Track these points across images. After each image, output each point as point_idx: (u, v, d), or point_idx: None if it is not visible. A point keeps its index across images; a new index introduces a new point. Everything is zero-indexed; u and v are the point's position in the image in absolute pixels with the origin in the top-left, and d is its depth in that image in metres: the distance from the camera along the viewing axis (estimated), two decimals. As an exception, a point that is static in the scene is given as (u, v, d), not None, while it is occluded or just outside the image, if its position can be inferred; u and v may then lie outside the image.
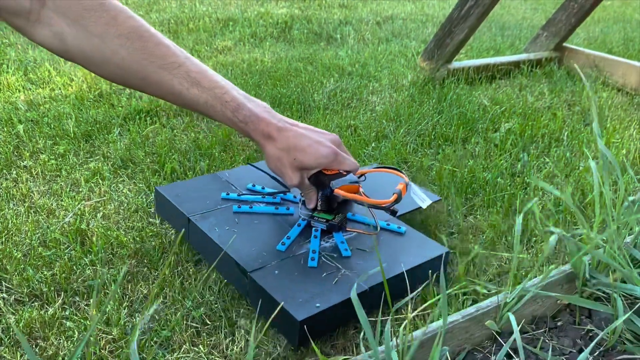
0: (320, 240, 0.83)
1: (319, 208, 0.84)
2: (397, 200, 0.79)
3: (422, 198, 0.85)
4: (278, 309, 0.61)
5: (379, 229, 0.87)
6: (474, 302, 0.79)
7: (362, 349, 0.60)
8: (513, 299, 0.67)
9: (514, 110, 1.51)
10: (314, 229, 0.85)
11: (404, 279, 0.73)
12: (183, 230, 0.88)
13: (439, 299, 0.75)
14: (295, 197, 0.93)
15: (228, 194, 0.93)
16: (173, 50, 0.73)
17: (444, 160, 1.18)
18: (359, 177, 0.84)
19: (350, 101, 1.57)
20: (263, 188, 0.96)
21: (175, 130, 1.30)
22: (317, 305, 0.70)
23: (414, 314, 0.63)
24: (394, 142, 1.26)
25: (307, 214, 0.86)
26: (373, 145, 1.25)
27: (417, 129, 1.35)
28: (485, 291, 0.80)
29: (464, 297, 0.79)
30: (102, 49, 0.69)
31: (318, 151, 0.78)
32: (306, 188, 0.83)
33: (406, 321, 0.59)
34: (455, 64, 1.81)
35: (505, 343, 0.67)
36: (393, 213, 0.85)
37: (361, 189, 0.83)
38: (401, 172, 0.86)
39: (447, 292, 0.77)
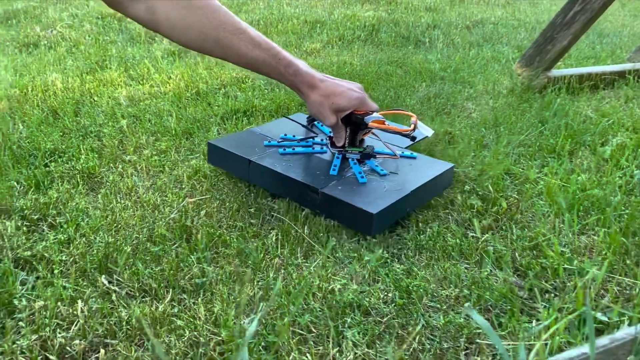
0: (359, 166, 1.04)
1: (346, 145, 1.04)
2: (414, 129, 1.00)
3: (427, 129, 1.06)
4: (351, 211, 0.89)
5: (398, 155, 1.07)
6: (597, 330, 0.73)
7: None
8: (653, 331, 0.61)
9: (622, 123, 1.41)
10: (350, 159, 1.05)
11: (430, 185, 1.00)
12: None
13: (562, 323, 0.70)
14: (322, 140, 1.12)
15: (270, 142, 1.11)
16: (237, 19, 0.88)
17: (550, 174, 1.12)
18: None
19: (445, 107, 1.52)
20: (294, 136, 1.14)
21: (271, 131, 1.30)
22: (382, 202, 0.91)
23: (544, 337, 0.58)
24: (496, 151, 1.20)
25: (336, 150, 1.06)
26: (473, 154, 1.20)
27: (518, 139, 1.28)
28: (605, 319, 0.75)
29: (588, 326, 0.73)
30: (187, 18, 0.84)
31: (351, 95, 0.97)
32: (339, 128, 1.01)
33: (538, 345, 0.55)
34: (555, 72, 1.72)
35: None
36: (413, 139, 1.05)
37: (386, 122, 1.01)
38: (407, 111, 1.07)
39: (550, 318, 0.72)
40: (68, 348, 0.67)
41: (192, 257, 0.84)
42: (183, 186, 1.04)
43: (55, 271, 0.80)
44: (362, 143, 1.07)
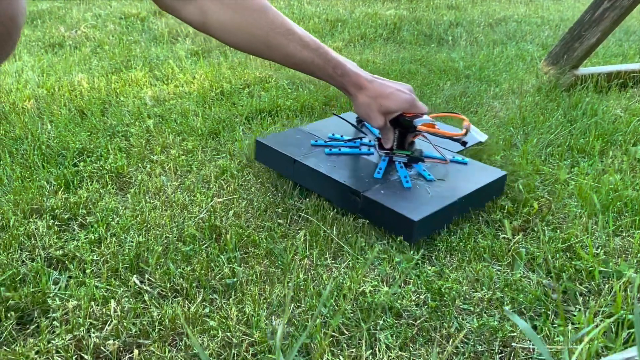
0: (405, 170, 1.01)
1: (394, 148, 1.02)
2: (466, 133, 0.96)
3: (480, 134, 1.05)
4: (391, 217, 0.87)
5: (448, 159, 1.04)
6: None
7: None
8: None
9: (653, 123, 1.38)
10: (396, 162, 1.03)
11: (479, 193, 0.95)
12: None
13: (602, 327, 0.69)
14: (370, 141, 1.10)
15: (317, 141, 1.10)
16: (286, 19, 0.88)
17: (581, 174, 1.10)
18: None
19: (471, 105, 1.50)
20: (342, 136, 1.12)
21: (296, 131, 1.29)
22: (425, 209, 0.88)
23: (586, 341, 0.57)
24: (525, 151, 1.19)
25: (384, 152, 1.04)
26: (502, 154, 1.18)
27: (546, 139, 1.26)
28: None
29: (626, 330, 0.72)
30: (237, 19, 0.85)
31: (400, 97, 0.94)
32: (387, 130, 0.99)
33: (579, 348, 0.54)
34: (583, 70, 1.69)
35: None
36: (464, 144, 0.99)
37: (437, 126, 0.98)
38: (460, 114, 1.03)
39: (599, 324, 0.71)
40: (102, 348, 0.68)
41: (222, 257, 0.84)
42: (211, 186, 1.04)
43: (87, 270, 0.80)
44: (411, 146, 1.04)
